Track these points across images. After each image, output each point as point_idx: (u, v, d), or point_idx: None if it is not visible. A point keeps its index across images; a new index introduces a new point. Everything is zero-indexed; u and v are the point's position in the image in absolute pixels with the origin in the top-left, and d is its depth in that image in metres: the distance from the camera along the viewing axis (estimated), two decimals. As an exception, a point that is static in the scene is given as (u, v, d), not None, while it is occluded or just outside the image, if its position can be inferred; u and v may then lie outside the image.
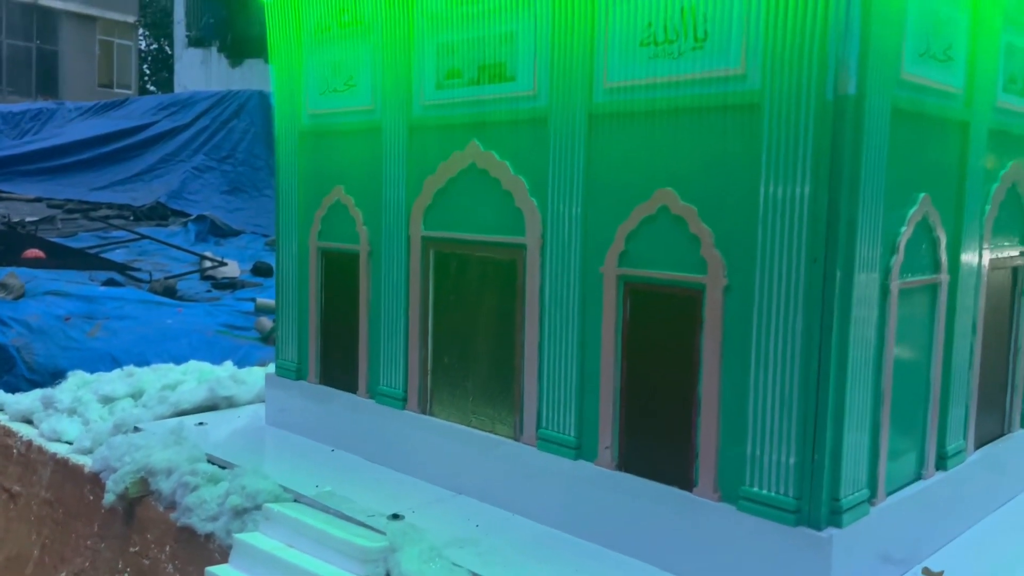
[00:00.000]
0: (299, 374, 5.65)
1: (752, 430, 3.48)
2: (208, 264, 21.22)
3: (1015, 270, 4.65)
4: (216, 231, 26.28)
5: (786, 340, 3.36)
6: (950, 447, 4.12)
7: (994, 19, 4.05)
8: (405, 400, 4.92)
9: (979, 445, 4.45)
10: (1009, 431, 4.77)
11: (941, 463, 4.09)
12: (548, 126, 4.13)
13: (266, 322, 14.45)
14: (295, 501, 4.48)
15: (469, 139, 4.48)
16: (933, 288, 3.92)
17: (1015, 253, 4.57)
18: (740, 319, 3.51)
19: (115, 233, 24.97)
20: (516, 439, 4.41)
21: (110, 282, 18.45)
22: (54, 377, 8.51)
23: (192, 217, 27.09)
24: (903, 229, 3.60)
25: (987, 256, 4.26)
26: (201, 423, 5.81)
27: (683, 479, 3.75)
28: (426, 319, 4.81)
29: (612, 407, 3.99)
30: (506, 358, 4.43)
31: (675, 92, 3.67)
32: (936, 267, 3.89)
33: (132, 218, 28.04)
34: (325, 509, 4.36)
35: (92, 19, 57.84)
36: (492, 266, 4.48)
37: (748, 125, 3.44)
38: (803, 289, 3.30)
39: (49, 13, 55.27)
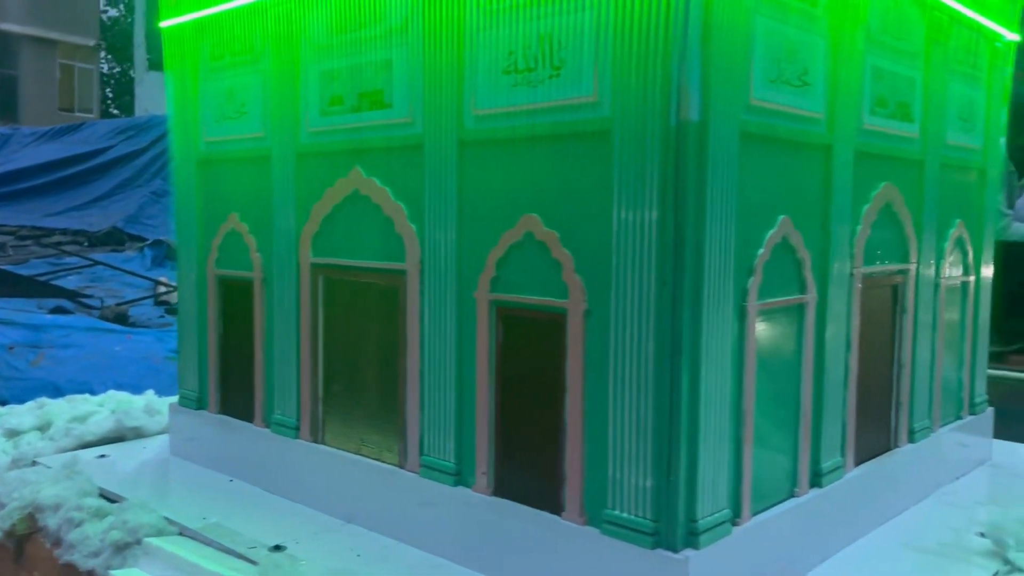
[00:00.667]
0: (200, 403, 5.61)
1: (613, 454, 3.49)
2: (163, 289, 21.01)
3: (895, 288, 4.72)
4: (173, 256, 26.00)
5: (640, 363, 3.38)
6: (825, 464, 4.16)
7: (855, 43, 4.12)
8: (298, 429, 4.89)
9: (861, 461, 4.50)
10: (896, 446, 4.83)
11: (816, 480, 4.13)
12: (423, 152, 4.15)
13: None
14: (180, 534, 4.43)
15: (352, 165, 4.49)
16: (799, 308, 3.97)
17: (893, 270, 4.64)
18: (600, 343, 3.53)
19: (67, 259, 24.68)
20: (401, 466, 4.40)
21: (58, 309, 18.21)
22: (18, 399, 8.41)
23: (149, 242, 26.85)
24: (760, 251, 3.65)
25: (859, 274, 4.32)
26: (103, 455, 5.73)
27: (553, 503, 3.75)
28: (316, 347, 4.79)
29: (488, 432, 3.99)
30: (391, 385, 4.43)
31: (535, 120, 3.70)
32: (801, 287, 3.94)
33: (87, 244, 27.73)
34: (208, 542, 4.31)
35: (52, 43, 57.36)
36: (376, 292, 4.49)
37: (601, 151, 3.47)
38: (654, 313, 3.33)
39: (8, 37, 54.80)
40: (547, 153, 3.70)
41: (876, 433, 4.68)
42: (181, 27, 5.47)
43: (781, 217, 3.77)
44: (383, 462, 4.49)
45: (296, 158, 4.81)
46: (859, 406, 4.44)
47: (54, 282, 21.67)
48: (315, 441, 4.83)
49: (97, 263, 23.93)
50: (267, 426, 5.10)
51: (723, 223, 3.40)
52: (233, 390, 5.39)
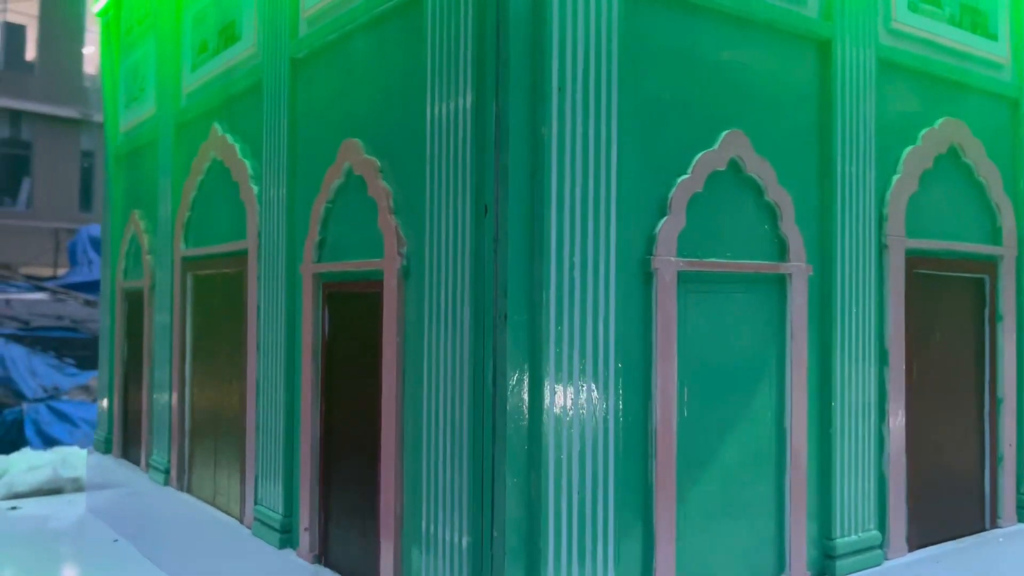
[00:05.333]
0: (107, 447, 4.64)
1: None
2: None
3: (977, 281, 3.10)
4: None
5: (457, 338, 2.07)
6: (844, 540, 2.58)
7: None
8: (168, 473, 3.80)
9: (926, 543, 2.85)
10: (994, 525, 3.11)
11: (828, 565, 2.56)
12: (262, 90, 3.09)
13: None
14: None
15: (212, 124, 3.48)
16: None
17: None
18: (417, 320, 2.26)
19: None
20: (240, 520, 3.20)
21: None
22: None
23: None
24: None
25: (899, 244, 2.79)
26: (14, 508, 4.87)
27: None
28: (184, 364, 3.73)
29: (312, 471, 2.74)
30: (237, 414, 3.28)
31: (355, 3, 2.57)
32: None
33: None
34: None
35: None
36: (226, 285, 3.40)
37: (414, 24, 2.28)
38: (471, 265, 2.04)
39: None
40: (365, 46, 2.55)
41: (953, 504, 3.02)
42: (106, 8, 4.77)
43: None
44: (229, 514, 3.31)
45: (175, 130, 3.87)
46: (915, 461, 2.83)
47: None
48: (181, 488, 3.71)
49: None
50: (149, 469, 4.04)
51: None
52: (131, 427, 4.40)
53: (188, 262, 3.69)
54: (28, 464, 5.72)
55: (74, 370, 15.53)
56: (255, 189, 3.13)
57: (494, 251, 2.04)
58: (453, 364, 2.10)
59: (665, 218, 2.27)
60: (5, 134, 24.64)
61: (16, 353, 15.29)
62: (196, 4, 3.69)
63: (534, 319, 2.02)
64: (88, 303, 18.04)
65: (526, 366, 2.01)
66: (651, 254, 2.24)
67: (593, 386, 2.09)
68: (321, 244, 2.73)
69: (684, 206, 2.31)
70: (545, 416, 2.01)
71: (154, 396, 3.96)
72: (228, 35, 3.38)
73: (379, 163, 2.45)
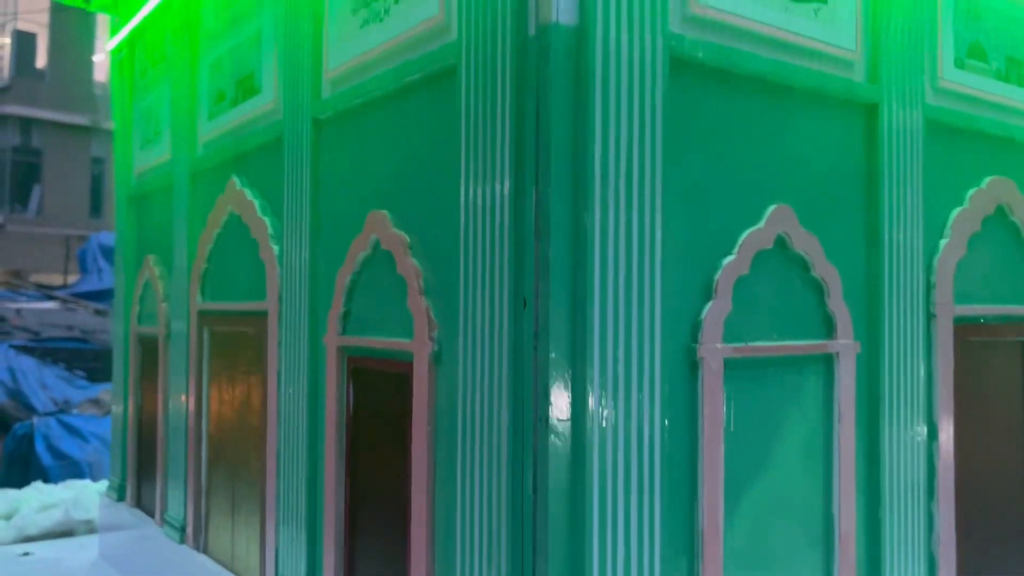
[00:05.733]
0: (120, 494, 4.55)
1: None
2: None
3: (1027, 343, 2.99)
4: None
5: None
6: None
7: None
8: (183, 530, 3.70)
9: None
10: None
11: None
12: (283, 145, 2.99)
13: None
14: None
15: (229, 176, 3.39)
16: (826, 358, 2.39)
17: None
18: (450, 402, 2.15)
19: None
20: (261, 592, 3.10)
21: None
22: None
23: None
24: (729, 260, 2.16)
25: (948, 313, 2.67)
26: (27, 553, 4.78)
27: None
28: (200, 420, 3.63)
29: (336, 547, 2.64)
30: (256, 478, 3.18)
31: (383, 69, 2.47)
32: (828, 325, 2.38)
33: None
34: None
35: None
36: (246, 344, 3.29)
37: (448, 95, 2.17)
38: (509, 351, 1.93)
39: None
40: (395, 115, 2.45)
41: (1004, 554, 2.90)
42: (120, 47, 4.68)
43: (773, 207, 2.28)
44: (248, 583, 3.21)
45: (191, 178, 3.77)
46: (966, 541, 2.71)
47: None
48: (197, 548, 3.61)
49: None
50: (163, 524, 3.94)
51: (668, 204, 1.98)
52: (146, 476, 4.31)
53: (205, 316, 3.59)
54: (40, 502, 5.64)
55: (84, 383, 15.40)
56: (275, 249, 3.03)
57: (534, 348, 1.93)
58: (490, 467, 1.99)
59: (711, 303, 2.16)
60: (16, 141, 24.67)
61: (27, 365, 15.20)
62: (212, 51, 3.59)
63: (576, 422, 1.91)
64: (98, 312, 17.96)
65: (568, 471, 1.90)
66: (697, 342, 2.13)
67: (637, 484, 1.98)
68: (346, 316, 2.63)
69: (730, 289, 2.20)
70: (588, 520, 1.90)
71: (169, 451, 3.86)
72: (246, 87, 3.29)
73: (408, 239, 2.35)
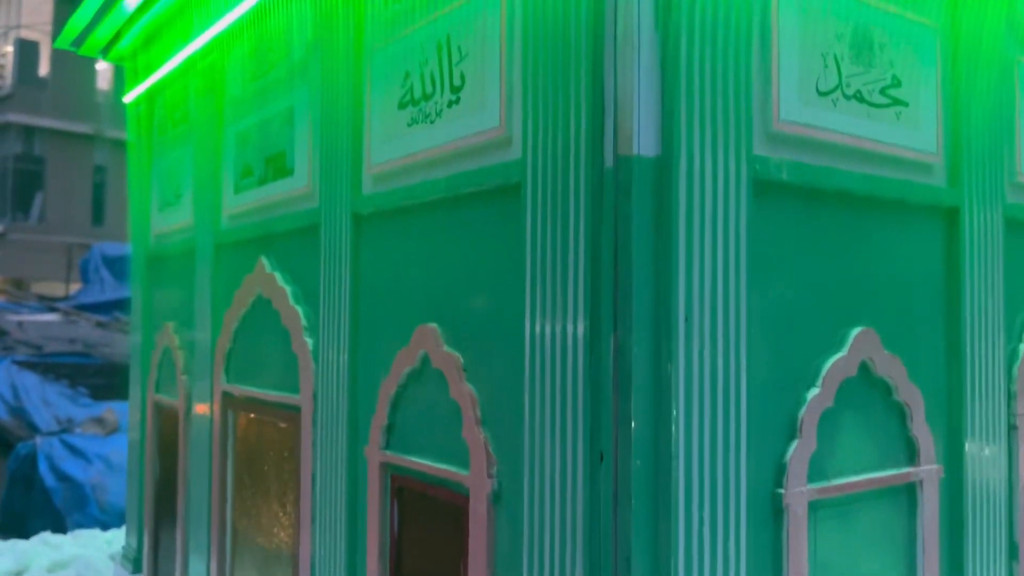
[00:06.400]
0: (136, 565, 4.39)
1: None
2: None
3: None
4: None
5: None
6: None
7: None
8: (206, 619, 3.54)
9: None
10: None
11: None
12: (320, 234, 2.83)
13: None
14: None
15: (258, 256, 3.23)
16: (909, 488, 2.23)
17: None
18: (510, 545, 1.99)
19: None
20: None
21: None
22: (121, 519, 7.83)
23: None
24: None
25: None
26: (37, 622, 4.61)
27: None
28: (224, 507, 3.47)
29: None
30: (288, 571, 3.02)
31: (433, 175, 2.31)
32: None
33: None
34: None
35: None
36: (276, 437, 3.13)
37: (510, 214, 2.02)
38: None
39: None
40: (448, 224, 2.29)
41: None
42: (138, 100, 4.52)
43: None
44: None
45: (215, 250, 3.61)
46: None
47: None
48: (220, 641, 3.44)
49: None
50: (183, 609, 3.78)
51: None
52: (165, 551, 4.14)
53: (230, 399, 3.43)
54: (49, 559, 5.48)
55: (88, 400, 15.17)
56: (309, 343, 2.87)
57: (612, 508, 1.77)
58: (565, 637, 1.83)
59: (795, 442, 2.00)
60: (18, 149, 24.59)
61: (30, 382, 14.96)
62: (239, 121, 3.44)
63: (661, 592, 1.75)
64: (100, 324, 17.78)
65: (652, 647, 1.74)
66: (782, 487, 1.97)
67: (720, 648, 1.82)
68: (389, 429, 2.47)
69: (815, 425, 2.04)
70: None
71: (190, 533, 3.70)
72: (277, 166, 3.13)
73: (462, 361, 2.19)
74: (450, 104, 2.26)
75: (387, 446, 2.48)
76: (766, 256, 1.98)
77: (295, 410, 2.94)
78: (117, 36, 4.42)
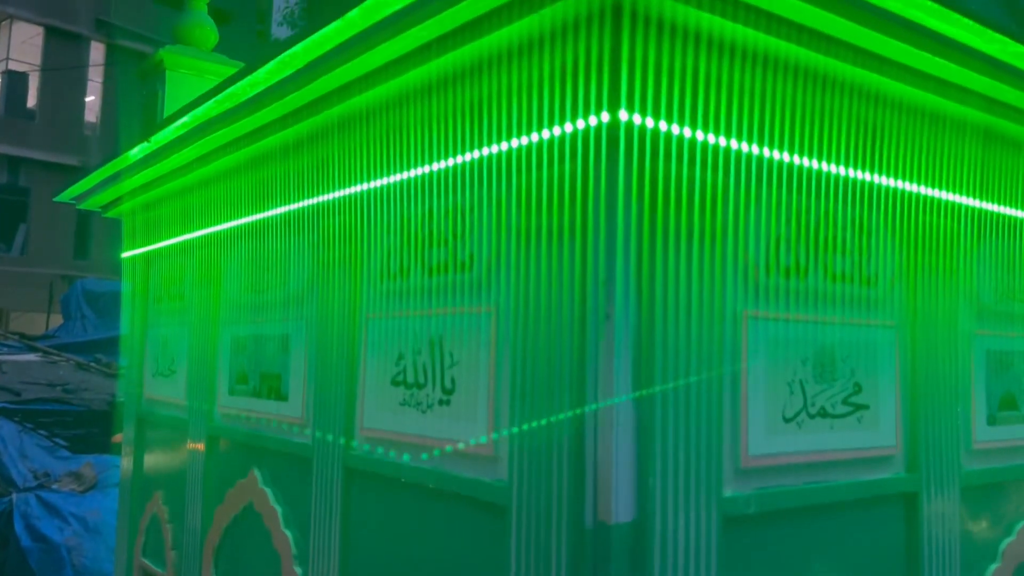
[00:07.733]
0: None
1: None
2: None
3: None
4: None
5: None
6: None
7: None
8: None
9: None
10: None
11: None
12: (312, 471, 2.95)
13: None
14: None
15: (251, 466, 3.34)
16: None
17: None
18: None
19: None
20: None
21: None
22: None
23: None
24: None
25: None
26: None
27: None
28: None
29: None
30: None
31: (421, 466, 2.44)
32: None
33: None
34: None
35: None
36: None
37: (496, 530, 2.15)
38: None
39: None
40: (437, 515, 2.42)
41: None
42: (134, 259, 4.64)
43: None
44: None
45: (208, 440, 3.72)
46: None
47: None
48: None
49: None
50: None
51: None
52: None
53: (219, 595, 3.53)
54: None
55: (66, 452, 15.03)
56: (298, 572, 2.98)
57: None
58: None
59: None
60: (3, 180, 24.58)
61: (7, 431, 14.82)
62: (235, 327, 3.56)
63: None
64: (80, 366, 17.66)
65: None
66: None
67: None
68: None
69: None
70: None
71: None
72: (272, 386, 3.25)
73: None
74: (441, 403, 2.40)
75: None
76: (734, 582, 2.12)
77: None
78: (118, 199, 4.55)
